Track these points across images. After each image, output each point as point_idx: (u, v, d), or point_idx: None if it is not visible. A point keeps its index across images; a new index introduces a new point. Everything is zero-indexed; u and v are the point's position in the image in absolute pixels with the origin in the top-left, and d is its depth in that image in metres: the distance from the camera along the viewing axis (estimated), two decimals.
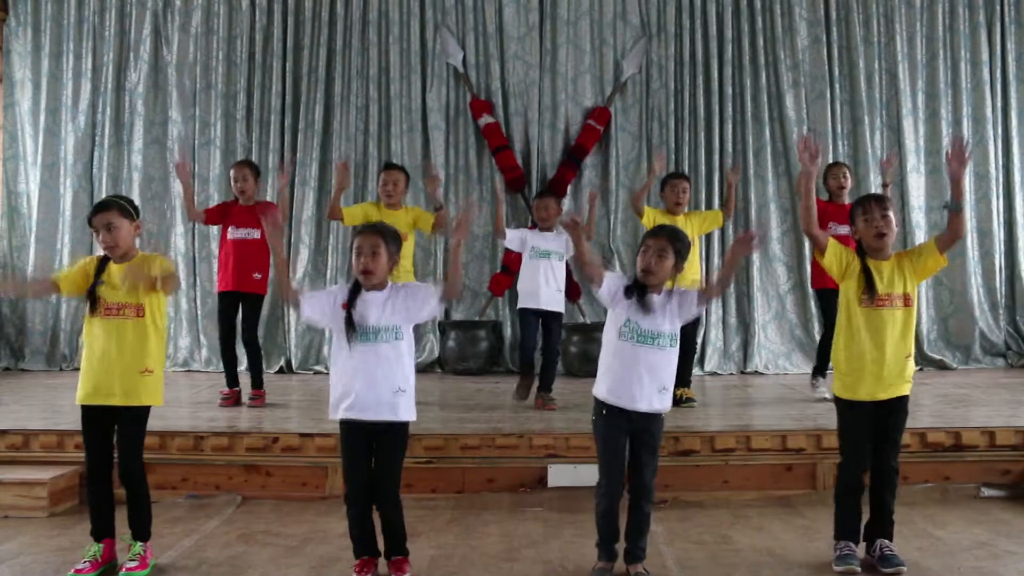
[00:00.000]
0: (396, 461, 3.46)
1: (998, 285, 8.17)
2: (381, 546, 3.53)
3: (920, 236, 8.12)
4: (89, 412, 3.57)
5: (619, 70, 8.20)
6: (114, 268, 3.55)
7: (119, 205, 3.60)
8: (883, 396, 3.54)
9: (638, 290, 3.42)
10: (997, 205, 8.18)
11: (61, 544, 3.89)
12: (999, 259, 8.17)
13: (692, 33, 8.17)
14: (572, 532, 4.08)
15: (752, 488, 4.70)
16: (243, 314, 5.92)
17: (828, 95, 8.13)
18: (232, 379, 5.91)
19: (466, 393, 6.60)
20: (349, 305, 3.36)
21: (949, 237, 3.63)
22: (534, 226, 6.25)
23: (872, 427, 3.58)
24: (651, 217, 5.85)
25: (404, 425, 3.45)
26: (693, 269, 5.88)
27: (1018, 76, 8.22)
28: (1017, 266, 8.17)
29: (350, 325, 3.33)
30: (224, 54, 8.18)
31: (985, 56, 8.20)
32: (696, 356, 7.80)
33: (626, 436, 3.46)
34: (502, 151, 7.98)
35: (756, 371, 7.83)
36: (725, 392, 6.80)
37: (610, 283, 3.46)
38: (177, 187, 8.12)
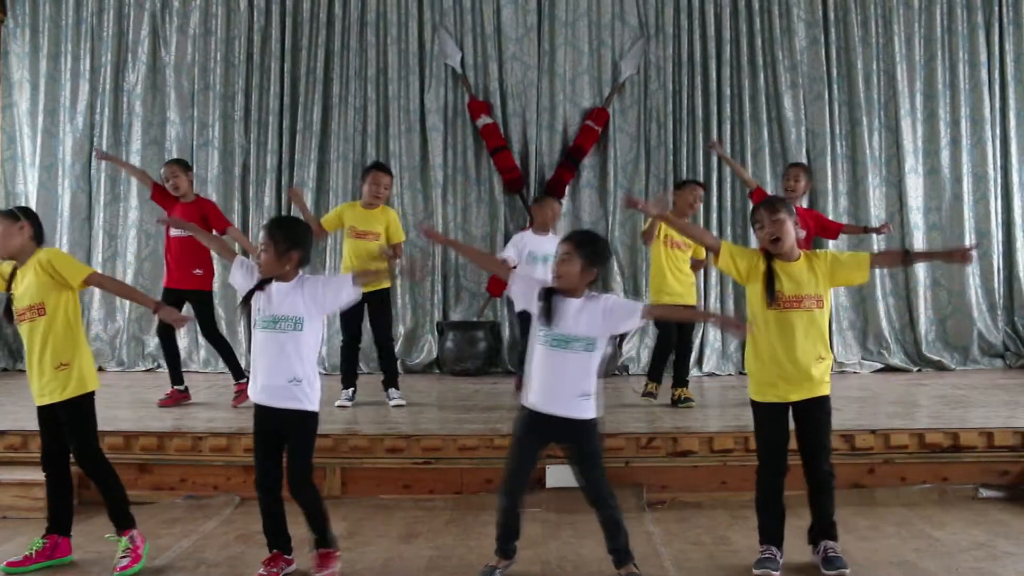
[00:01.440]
0: (301, 448, 3.51)
1: (996, 286, 8.17)
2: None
3: (919, 236, 8.13)
4: (39, 413, 3.71)
5: (617, 71, 8.20)
6: (18, 274, 3.68)
7: (6, 211, 3.78)
8: (795, 397, 3.49)
9: (546, 295, 3.39)
10: (995, 206, 8.18)
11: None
12: (997, 260, 8.17)
13: (690, 34, 8.17)
14: (570, 533, 4.08)
15: (751, 489, 4.64)
16: (195, 313, 5.96)
17: (826, 96, 8.13)
18: (176, 377, 5.95)
19: (464, 394, 6.60)
20: (260, 288, 3.47)
21: (886, 262, 3.54)
22: (527, 227, 6.26)
23: (787, 429, 3.53)
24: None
25: (307, 414, 3.48)
26: (686, 275, 5.86)
27: (1016, 77, 8.23)
28: (1015, 267, 8.18)
29: (245, 302, 3.51)
30: (222, 55, 8.18)
31: (983, 57, 8.21)
32: (693, 357, 7.84)
33: (543, 441, 3.45)
34: (500, 152, 7.98)
35: None
36: (723, 393, 6.80)
37: (521, 286, 3.51)
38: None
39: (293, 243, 3.48)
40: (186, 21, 8.23)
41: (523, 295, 3.51)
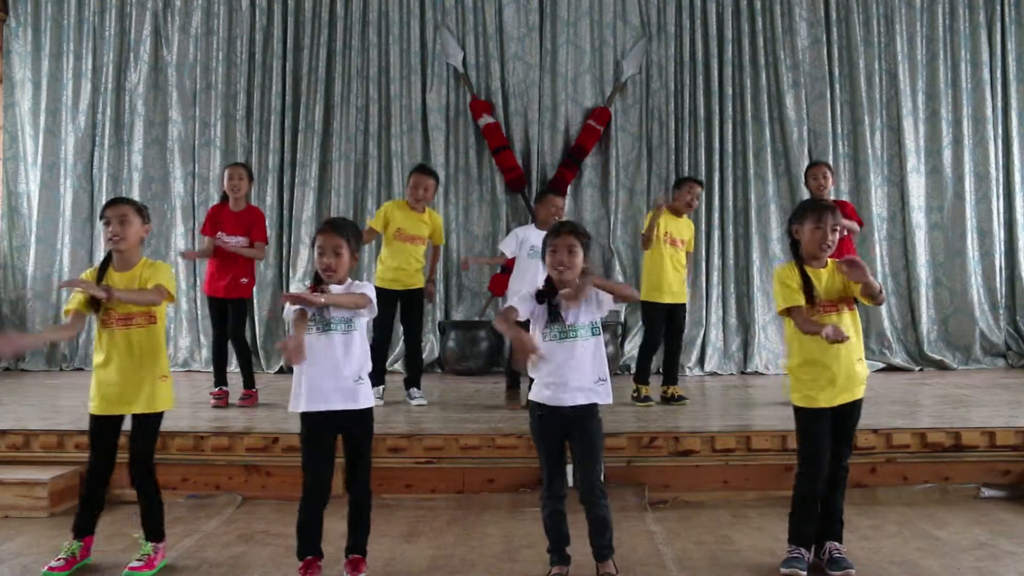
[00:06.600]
0: (367, 447, 3.53)
1: (998, 285, 8.17)
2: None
3: (920, 236, 8.13)
4: (100, 420, 3.61)
5: (619, 70, 8.21)
6: (115, 277, 3.59)
7: (135, 203, 3.69)
8: (840, 401, 3.49)
9: (549, 294, 3.41)
10: (997, 205, 8.18)
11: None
12: (999, 259, 8.17)
13: (692, 33, 8.17)
14: (571, 532, 4.07)
15: (752, 488, 4.69)
16: (234, 318, 5.97)
17: (828, 95, 8.13)
18: (224, 378, 5.98)
19: (466, 393, 6.60)
20: (315, 290, 3.44)
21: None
22: (531, 222, 6.23)
23: (829, 434, 3.53)
24: (651, 216, 5.88)
25: (369, 412, 3.50)
26: (680, 273, 5.88)
27: (1018, 76, 8.22)
28: (1017, 266, 8.17)
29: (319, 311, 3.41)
30: (224, 54, 8.19)
31: (985, 56, 8.20)
32: (695, 356, 7.85)
33: (563, 435, 3.44)
34: (502, 151, 7.98)
35: (756, 371, 7.84)
36: (725, 392, 6.79)
37: (524, 307, 3.44)
38: (177, 187, 8.15)
39: (358, 242, 3.53)
40: (188, 20, 8.24)
41: (528, 310, 3.46)
